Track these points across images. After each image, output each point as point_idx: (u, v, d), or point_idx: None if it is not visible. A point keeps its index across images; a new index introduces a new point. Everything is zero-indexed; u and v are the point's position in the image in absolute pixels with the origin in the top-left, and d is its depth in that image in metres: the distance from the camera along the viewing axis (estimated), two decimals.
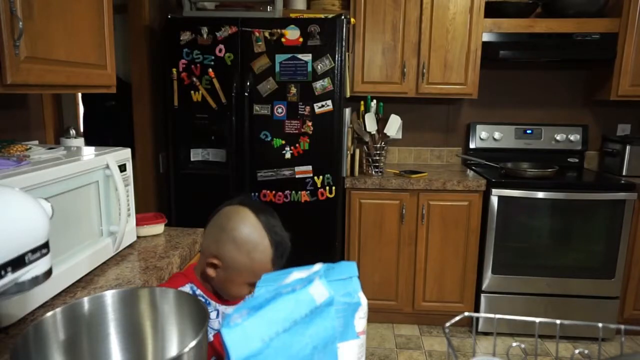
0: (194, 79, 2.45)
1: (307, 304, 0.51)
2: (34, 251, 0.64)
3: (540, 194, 2.56)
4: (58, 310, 0.67)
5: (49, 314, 0.66)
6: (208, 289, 1.01)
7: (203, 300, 1.00)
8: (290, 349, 0.48)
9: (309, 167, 2.49)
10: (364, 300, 0.65)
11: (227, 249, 0.92)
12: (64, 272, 1.13)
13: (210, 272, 0.96)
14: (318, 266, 0.59)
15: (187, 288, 1.00)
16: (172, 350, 0.75)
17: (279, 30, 2.37)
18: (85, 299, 0.71)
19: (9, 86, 1.01)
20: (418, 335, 2.74)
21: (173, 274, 1.11)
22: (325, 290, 0.52)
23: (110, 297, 0.73)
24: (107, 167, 1.30)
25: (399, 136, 3.17)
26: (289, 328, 0.48)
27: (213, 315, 1.00)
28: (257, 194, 2.53)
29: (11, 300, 0.95)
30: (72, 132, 1.63)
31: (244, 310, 0.46)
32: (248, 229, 0.91)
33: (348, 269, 0.69)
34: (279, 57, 2.40)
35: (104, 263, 1.33)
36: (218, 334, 0.94)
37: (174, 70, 2.45)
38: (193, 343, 0.58)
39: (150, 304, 0.76)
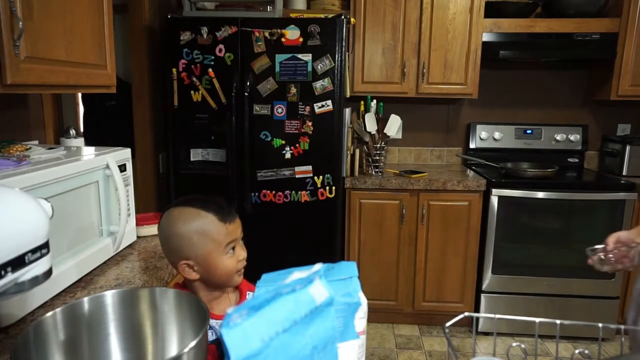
0: (194, 79, 2.45)
1: (307, 304, 0.51)
2: (33, 251, 0.64)
3: (540, 194, 2.56)
4: (58, 310, 0.67)
5: (49, 314, 0.66)
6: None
7: None
8: (290, 349, 0.48)
9: (309, 167, 2.49)
10: (364, 300, 0.65)
11: (186, 247, 0.96)
12: (64, 272, 1.13)
13: (193, 275, 0.98)
14: (318, 266, 0.59)
15: None
16: (172, 350, 0.75)
17: (279, 30, 2.37)
18: (85, 299, 0.71)
19: (9, 86, 1.01)
20: (418, 335, 2.74)
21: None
22: (325, 290, 0.52)
23: (110, 297, 0.74)
24: (107, 167, 1.30)
25: (399, 136, 3.17)
26: (289, 328, 0.48)
27: None
28: (257, 194, 2.53)
29: (11, 300, 0.95)
30: (72, 132, 1.63)
31: (243, 310, 0.46)
32: (184, 222, 0.96)
33: (348, 269, 0.69)
34: (279, 57, 2.40)
35: (103, 263, 1.33)
36: (210, 347, 0.96)
37: (174, 70, 2.45)
38: (193, 343, 0.58)
39: (150, 304, 0.76)
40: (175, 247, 0.97)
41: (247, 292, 1.07)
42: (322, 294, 0.52)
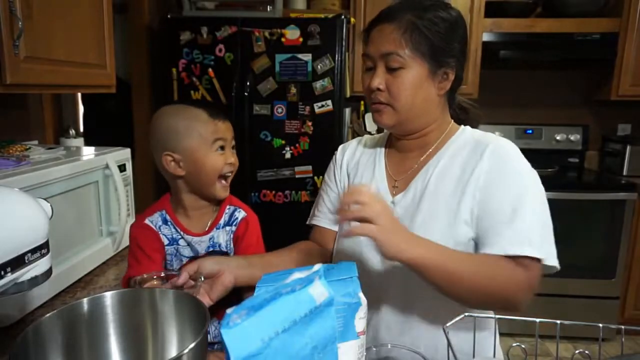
0: (194, 78, 2.45)
1: (307, 304, 0.50)
2: (33, 251, 0.64)
3: None
4: (57, 311, 0.67)
5: (48, 315, 0.66)
6: (180, 218, 1.05)
7: (172, 226, 1.04)
8: (290, 349, 0.48)
9: (309, 167, 2.48)
10: (364, 300, 0.65)
11: (172, 139, 0.98)
12: (64, 272, 1.13)
13: (178, 170, 0.99)
14: (318, 266, 0.59)
15: (156, 216, 1.04)
16: (172, 351, 0.75)
17: (279, 30, 2.37)
18: (85, 300, 0.71)
19: (8, 86, 1.01)
20: None
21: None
22: (325, 290, 0.52)
23: (110, 298, 0.73)
24: (107, 167, 1.30)
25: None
26: (289, 328, 0.48)
27: (183, 243, 1.05)
28: (257, 193, 2.53)
29: (11, 300, 0.95)
30: (72, 132, 1.63)
31: (243, 310, 0.46)
32: (172, 115, 0.99)
33: (348, 269, 0.69)
34: (279, 57, 2.40)
35: (103, 263, 1.32)
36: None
37: (174, 70, 2.45)
38: (193, 344, 0.58)
39: (150, 305, 0.75)
40: (162, 139, 0.98)
41: (227, 207, 1.07)
42: (322, 294, 0.52)
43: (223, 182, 1.03)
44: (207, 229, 1.04)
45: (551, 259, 0.88)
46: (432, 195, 0.90)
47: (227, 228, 1.06)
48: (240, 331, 0.45)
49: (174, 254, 1.05)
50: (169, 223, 1.04)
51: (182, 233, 1.04)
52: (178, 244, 1.05)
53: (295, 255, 1.03)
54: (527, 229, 0.84)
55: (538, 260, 0.84)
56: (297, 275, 0.54)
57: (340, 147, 1.16)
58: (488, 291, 0.81)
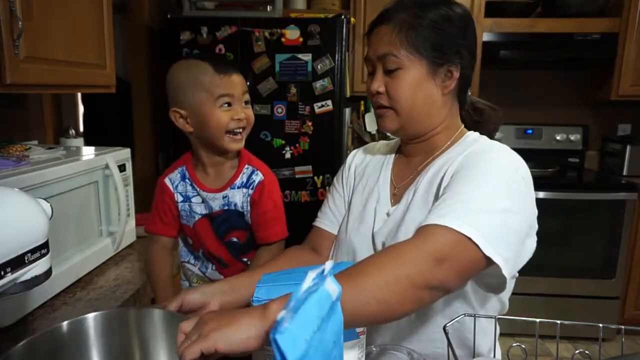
0: None
1: (327, 301, 0.51)
2: (33, 251, 0.64)
3: (541, 194, 2.55)
4: (36, 336, 0.64)
5: (22, 343, 0.61)
6: (198, 174, 1.07)
7: (189, 183, 1.06)
8: (323, 346, 0.48)
9: (309, 167, 2.48)
10: None
11: (179, 95, 0.99)
12: (64, 272, 1.13)
13: (186, 127, 1.01)
14: (329, 264, 0.58)
15: (176, 172, 1.08)
16: None
17: (279, 30, 2.37)
18: (65, 324, 0.68)
19: (8, 86, 1.01)
20: None
21: None
22: (335, 285, 0.52)
23: (92, 320, 0.70)
24: (107, 167, 1.30)
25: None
26: (320, 326, 0.48)
27: (197, 200, 1.06)
28: None
29: (11, 300, 0.95)
30: (72, 132, 1.63)
31: (288, 314, 0.46)
32: (179, 70, 1.01)
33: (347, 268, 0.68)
34: (279, 57, 2.39)
35: (103, 263, 1.32)
36: (202, 220, 1.05)
37: None
38: None
39: (137, 326, 0.72)
40: (171, 95, 1.01)
41: (245, 166, 1.08)
42: (334, 289, 0.52)
43: (228, 137, 1.01)
44: (222, 187, 1.05)
45: (489, 249, 0.68)
46: (418, 205, 0.84)
47: (244, 190, 1.06)
48: (290, 335, 0.44)
49: (188, 210, 1.07)
50: (187, 179, 1.06)
51: (198, 189, 1.05)
52: (191, 201, 1.06)
53: (284, 264, 0.96)
54: (458, 205, 0.71)
55: (455, 231, 0.67)
56: (312, 274, 0.53)
57: (353, 151, 1.10)
58: (403, 287, 0.64)
